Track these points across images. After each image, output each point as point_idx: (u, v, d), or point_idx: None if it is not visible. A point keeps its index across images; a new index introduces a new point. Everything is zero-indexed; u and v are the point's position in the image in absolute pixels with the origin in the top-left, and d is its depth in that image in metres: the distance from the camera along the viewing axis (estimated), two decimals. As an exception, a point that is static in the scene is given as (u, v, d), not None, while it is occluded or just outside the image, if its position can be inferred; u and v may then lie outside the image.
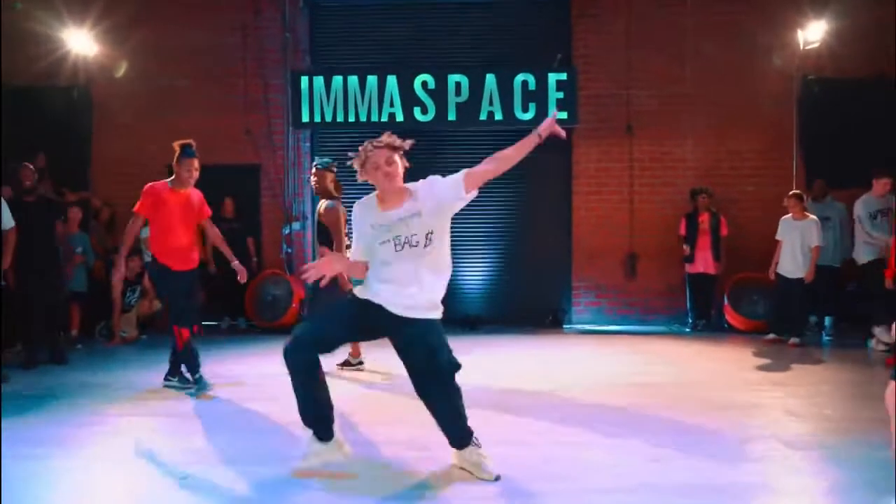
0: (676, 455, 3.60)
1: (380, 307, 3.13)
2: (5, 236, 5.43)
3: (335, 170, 5.50)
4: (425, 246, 3.11)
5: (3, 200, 5.47)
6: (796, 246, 6.88)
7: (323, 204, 5.47)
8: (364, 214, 3.16)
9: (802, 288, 6.88)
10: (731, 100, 8.41)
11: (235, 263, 5.14)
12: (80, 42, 8.32)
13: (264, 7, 8.56)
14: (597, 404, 4.70)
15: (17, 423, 4.17)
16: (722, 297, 7.94)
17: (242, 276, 5.13)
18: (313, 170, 5.54)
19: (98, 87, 8.69)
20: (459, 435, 3.24)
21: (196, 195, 5.14)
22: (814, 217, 6.99)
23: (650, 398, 4.82)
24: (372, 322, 3.16)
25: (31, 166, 6.17)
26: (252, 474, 3.28)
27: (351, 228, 3.38)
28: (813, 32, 7.99)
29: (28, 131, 8.00)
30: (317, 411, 3.20)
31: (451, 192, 3.10)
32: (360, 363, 5.78)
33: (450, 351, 3.15)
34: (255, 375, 5.71)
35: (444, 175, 3.13)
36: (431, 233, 3.11)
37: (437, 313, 3.19)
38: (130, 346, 7.23)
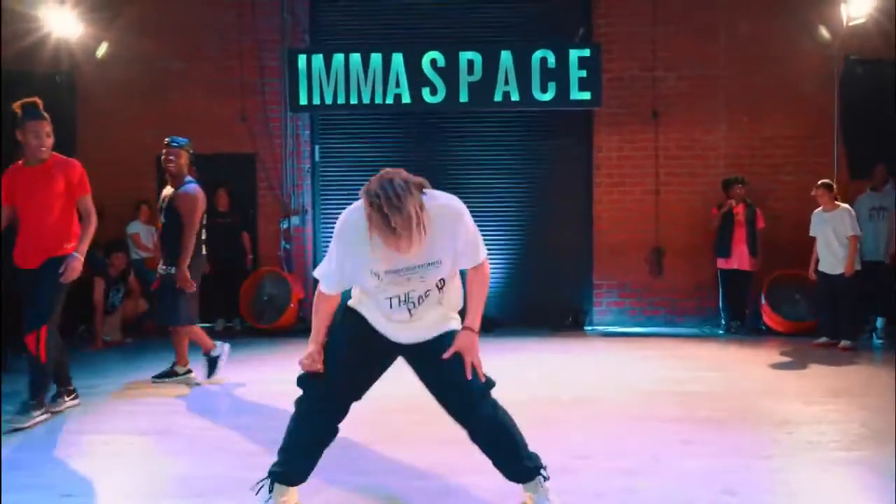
0: (753, 484, 2.97)
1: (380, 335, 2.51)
2: None
3: (192, 150, 5.09)
4: (439, 290, 2.45)
5: None
6: (831, 240, 6.38)
7: (174, 189, 4.99)
8: (360, 242, 2.29)
9: (846, 285, 6.28)
10: (766, 82, 7.77)
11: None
12: (62, 22, 7.71)
13: (260, -17, 7.96)
14: (640, 417, 4.09)
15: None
16: (759, 295, 7.28)
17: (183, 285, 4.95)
18: (166, 149, 5.02)
19: (82, 72, 8.10)
20: (518, 469, 2.54)
21: (64, 167, 4.14)
22: (846, 206, 6.48)
23: (701, 410, 4.20)
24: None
25: None
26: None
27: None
28: (857, 7, 7.31)
29: (5, 120, 7.40)
30: (307, 460, 2.55)
31: (464, 260, 2.44)
32: (189, 372, 5.13)
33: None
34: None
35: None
36: (443, 279, 2.43)
37: (454, 324, 2.55)
38: (116, 350, 6.64)
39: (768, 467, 3.21)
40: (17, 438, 3.74)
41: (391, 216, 2.08)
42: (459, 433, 2.54)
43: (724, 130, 7.87)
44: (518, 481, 2.56)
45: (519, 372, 5.33)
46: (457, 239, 2.36)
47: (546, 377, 5.35)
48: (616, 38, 7.83)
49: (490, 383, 2.51)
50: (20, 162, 4.13)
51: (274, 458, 2.56)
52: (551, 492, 2.56)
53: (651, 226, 7.86)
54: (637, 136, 7.90)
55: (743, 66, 7.76)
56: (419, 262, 2.31)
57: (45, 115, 4.16)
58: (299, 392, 2.54)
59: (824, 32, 7.61)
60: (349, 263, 2.39)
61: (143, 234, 7.69)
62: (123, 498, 2.93)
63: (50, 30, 7.69)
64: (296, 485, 2.57)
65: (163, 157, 5.04)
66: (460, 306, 2.58)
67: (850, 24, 7.42)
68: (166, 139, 5.11)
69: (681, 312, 7.87)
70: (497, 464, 2.53)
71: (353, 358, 2.50)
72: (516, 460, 2.51)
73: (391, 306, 2.41)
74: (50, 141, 4.15)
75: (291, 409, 2.57)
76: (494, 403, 2.51)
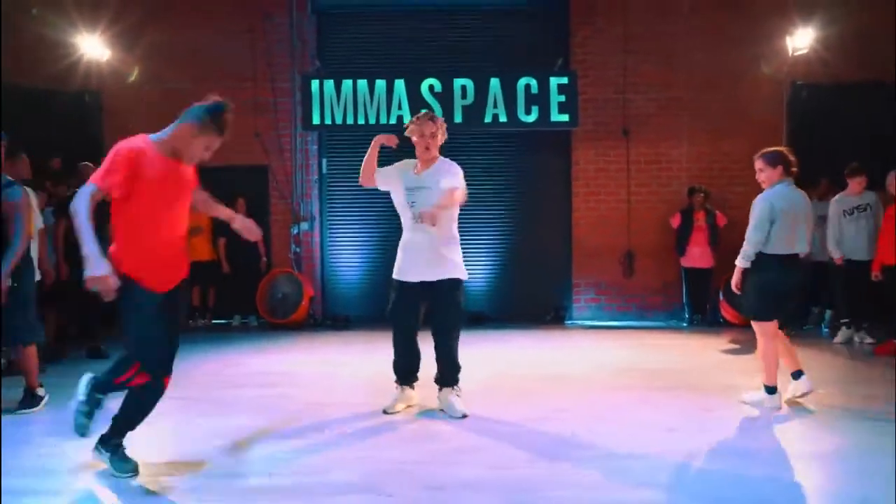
0: (688, 426, 3.90)
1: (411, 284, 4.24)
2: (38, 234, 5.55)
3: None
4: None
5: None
6: None
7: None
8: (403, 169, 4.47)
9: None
10: (723, 104, 8.73)
11: None
12: (92, 46, 8.51)
13: (273, 12, 8.78)
14: (607, 386, 5.02)
15: (56, 410, 4.40)
16: (716, 292, 8.24)
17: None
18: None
19: (108, 91, 8.87)
20: (449, 374, 4.21)
21: None
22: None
23: (658, 381, 5.13)
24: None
25: (92, 165, 6.29)
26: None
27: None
28: (801, 39, 8.34)
29: (41, 135, 8.16)
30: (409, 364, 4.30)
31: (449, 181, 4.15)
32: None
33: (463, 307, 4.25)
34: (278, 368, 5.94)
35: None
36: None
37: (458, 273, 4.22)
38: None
39: (707, 416, 4.14)
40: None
41: (426, 122, 4.31)
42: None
43: (687, 147, 8.82)
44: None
45: (504, 356, 6.24)
46: (450, 177, 4.13)
47: (528, 360, 6.22)
48: (592, 66, 8.77)
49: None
50: None
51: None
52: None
53: (623, 231, 8.79)
54: (610, 151, 8.83)
55: (702, 91, 8.70)
56: (423, 183, 4.18)
57: None
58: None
59: (771, 62, 8.60)
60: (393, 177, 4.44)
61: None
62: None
63: (81, 53, 8.51)
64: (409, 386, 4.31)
65: None
66: (452, 237, 4.23)
67: (795, 53, 8.46)
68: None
69: (650, 308, 8.82)
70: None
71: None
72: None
73: (412, 224, 4.22)
74: None
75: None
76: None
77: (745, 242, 4.43)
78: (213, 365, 6.09)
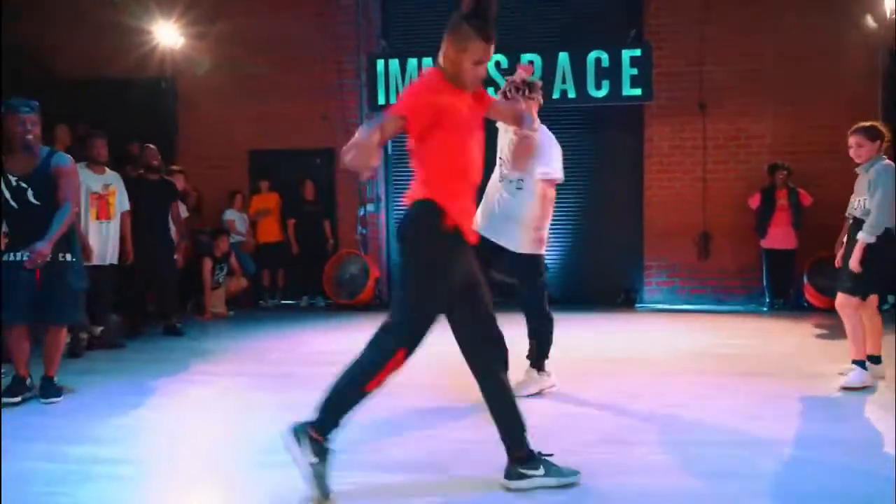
0: (772, 413, 3.66)
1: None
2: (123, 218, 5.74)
3: None
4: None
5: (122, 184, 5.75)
6: None
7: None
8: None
9: None
10: (810, 75, 8.17)
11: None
12: (168, 34, 8.76)
13: (338, -6, 8.80)
14: (682, 371, 4.80)
15: (139, 380, 4.57)
16: (801, 275, 7.78)
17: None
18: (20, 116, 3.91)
19: (183, 78, 9.12)
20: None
21: None
22: None
23: (739, 366, 4.88)
24: None
25: (155, 147, 6.50)
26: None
27: None
28: (899, 0, 7.70)
29: (119, 121, 8.46)
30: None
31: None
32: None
33: None
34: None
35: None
36: None
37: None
38: (221, 320, 7.61)
39: (791, 403, 3.87)
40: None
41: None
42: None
43: (769, 120, 8.33)
44: None
45: (573, 339, 6.01)
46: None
47: (598, 343, 6.02)
48: (666, 36, 8.37)
49: None
50: None
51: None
52: None
53: (698, 211, 8.40)
54: (686, 127, 8.44)
55: (788, 60, 8.17)
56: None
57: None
58: None
59: (868, 24, 7.97)
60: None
61: (237, 220, 8.61)
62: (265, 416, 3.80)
63: (157, 41, 8.77)
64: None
65: (18, 125, 3.89)
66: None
67: (893, 16, 7.80)
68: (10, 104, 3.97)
69: (727, 291, 8.41)
70: None
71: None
72: None
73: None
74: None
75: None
76: None
77: (875, 215, 4.00)
78: (283, 343, 6.19)
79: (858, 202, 4.20)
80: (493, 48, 2.58)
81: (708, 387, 4.31)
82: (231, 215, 8.62)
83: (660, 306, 8.36)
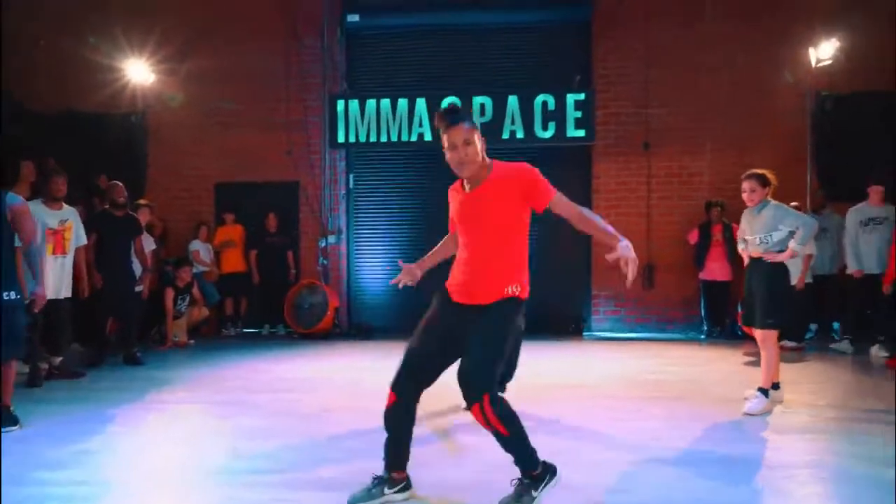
0: (674, 434, 4.04)
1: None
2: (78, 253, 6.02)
3: None
4: None
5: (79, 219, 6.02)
6: None
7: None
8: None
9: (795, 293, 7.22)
10: (747, 116, 8.74)
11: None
12: (139, 71, 9.12)
13: (305, 35, 9.23)
14: (610, 395, 5.20)
15: (98, 407, 4.83)
16: (735, 305, 8.24)
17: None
18: None
19: (154, 112, 9.46)
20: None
21: None
22: None
23: (660, 391, 5.28)
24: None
25: (122, 184, 6.79)
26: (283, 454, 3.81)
27: None
28: (824, 50, 8.30)
29: (92, 155, 8.81)
30: None
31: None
32: None
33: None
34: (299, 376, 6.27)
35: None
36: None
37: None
38: (182, 350, 7.86)
39: (695, 427, 4.25)
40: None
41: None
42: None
43: (709, 159, 8.86)
44: None
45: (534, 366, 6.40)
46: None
47: (538, 369, 6.30)
48: (613, 80, 8.92)
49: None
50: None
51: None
52: None
53: (644, 245, 8.85)
54: (631, 165, 8.95)
55: (726, 102, 8.71)
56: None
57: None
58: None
59: (795, 72, 8.57)
60: None
61: (202, 251, 8.87)
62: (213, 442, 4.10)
63: (128, 78, 9.12)
64: None
65: None
66: None
67: (819, 64, 8.41)
68: None
69: (670, 320, 8.86)
70: None
71: None
72: None
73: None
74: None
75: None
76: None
77: (803, 232, 4.57)
78: (241, 371, 6.45)
79: (759, 239, 4.66)
80: (453, 132, 2.86)
81: (627, 410, 4.70)
82: (196, 246, 8.88)
83: (607, 334, 8.77)
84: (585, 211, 3.08)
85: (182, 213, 9.29)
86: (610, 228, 3.01)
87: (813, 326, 8.17)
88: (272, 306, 8.85)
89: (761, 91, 8.70)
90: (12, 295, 4.21)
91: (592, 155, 8.96)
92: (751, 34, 8.65)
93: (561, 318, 8.85)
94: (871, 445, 3.80)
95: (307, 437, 4.12)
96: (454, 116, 2.90)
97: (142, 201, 7.61)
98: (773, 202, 4.72)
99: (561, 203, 3.05)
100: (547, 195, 2.98)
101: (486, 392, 2.73)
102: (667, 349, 7.66)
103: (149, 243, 7.45)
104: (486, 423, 2.75)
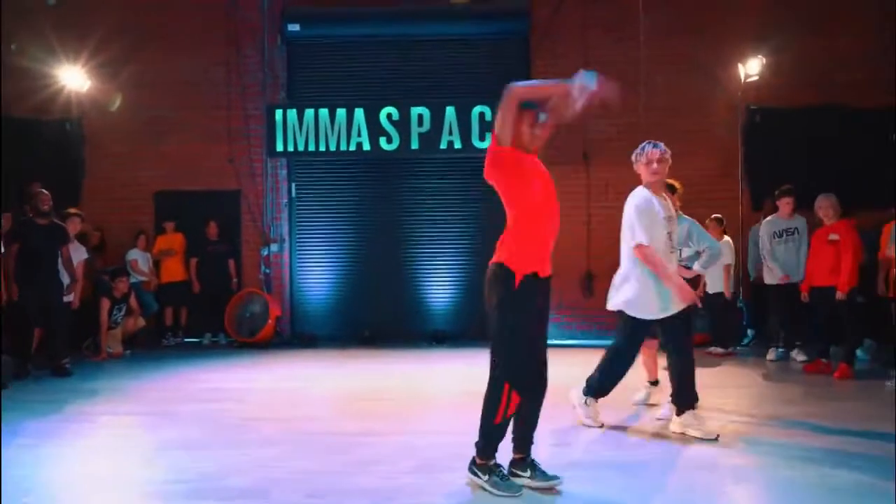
0: (580, 439, 4.14)
1: None
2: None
3: None
4: None
5: None
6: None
7: None
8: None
9: (719, 302, 7.56)
10: (682, 128, 8.95)
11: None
12: (74, 77, 8.96)
13: (246, 44, 9.21)
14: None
15: (17, 419, 4.74)
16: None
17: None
18: None
19: (90, 119, 9.30)
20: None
21: None
22: (728, 238, 7.69)
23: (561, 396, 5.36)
24: None
25: (47, 192, 6.63)
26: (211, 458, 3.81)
27: None
28: (752, 65, 8.63)
29: (24, 161, 8.62)
30: None
31: None
32: None
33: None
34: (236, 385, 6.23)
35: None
36: None
37: None
38: (116, 361, 7.72)
39: (604, 433, 4.37)
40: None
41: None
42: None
43: (645, 170, 9.07)
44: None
45: (444, 376, 6.49)
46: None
47: (457, 377, 6.43)
48: (552, 92, 9.10)
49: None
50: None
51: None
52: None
53: (583, 253, 9.05)
54: (571, 175, 9.12)
55: (661, 114, 8.95)
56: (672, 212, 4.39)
57: None
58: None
59: (726, 86, 8.87)
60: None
61: (140, 260, 8.77)
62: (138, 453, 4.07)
63: (63, 84, 8.96)
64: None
65: None
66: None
67: (748, 79, 8.74)
68: None
69: (610, 328, 9.00)
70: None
71: None
72: None
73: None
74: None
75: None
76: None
77: (703, 263, 4.80)
78: (173, 381, 6.38)
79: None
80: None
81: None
82: (134, 255, 8.76)
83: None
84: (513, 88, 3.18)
85: (121, 222, 9.14)
86: (550, 81, 3.38)
87: (750, 332, 8.43)
88: (214, 315, 8.76)
89: (696, 104, 8.97)
90: None
91: (532, 165, 9.10)
92: (684, 49, 8.92)
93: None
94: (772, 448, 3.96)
95: (222, 448, 4.12)
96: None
97: (72, 210, 7.44)
98: (687, 217, 4.85)
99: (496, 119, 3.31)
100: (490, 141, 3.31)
101: (504, 379, 3.14)
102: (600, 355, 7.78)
103: (79, 253, 7.31)
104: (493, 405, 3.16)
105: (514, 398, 3.13)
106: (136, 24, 9.09)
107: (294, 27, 8.66)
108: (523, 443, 3.33)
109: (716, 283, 7.53)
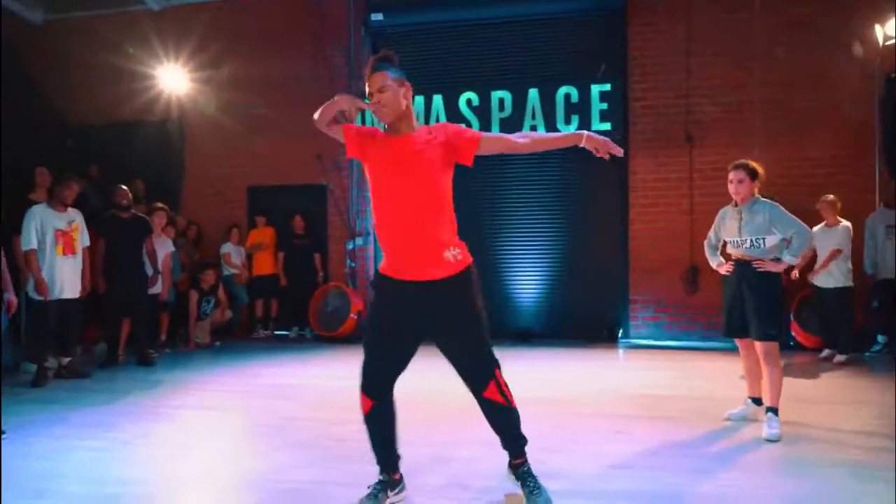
0: (638, 463, 3.55)
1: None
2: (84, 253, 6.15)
3: None
4: None
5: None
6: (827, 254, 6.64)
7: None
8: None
9: (837, 298, 6.56)
10: (804, 104, 7.93)
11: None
12: (174, 80, 9.35)
13: (331, 39, 9.17)
14: (596, 412, 4.71)
15: (92, 411, 4.84)
16: (788, 312, 7.44)
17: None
18: None
19: (189, 119, 9.69)
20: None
21: None
22: (847, 223, 6.69)
23: (655, 410, 4.72)
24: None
25: (125, 188, 6.92)
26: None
27: None
28: (892, 27, 7.38)
29: (129, 161, 9.11)
30: None
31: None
32: None
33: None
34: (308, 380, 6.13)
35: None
36: None
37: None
38: (204, 350, 7.92)
39: (666, 454, 3.74)
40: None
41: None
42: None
43: (760, 152, 8.05)
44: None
45: (529, 375, 5.96)
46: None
47: (537, 380, 5.85)
48: (651, 70, 8.30)
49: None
50: None
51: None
52: None
53: (686, 245, 8.19)
54: (671, 160, 8.29)
55: (779, 90, 7.95)
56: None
57: None
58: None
59: (861, 53, 7.67)
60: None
61: (233, 253, 8.99)
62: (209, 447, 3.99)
63: (163, 86, 9.38)
64: None
65: None
66: None
67: (887, 42, 7.49)
68: None
69: (717, 327, 8.09)
70: None
71: None
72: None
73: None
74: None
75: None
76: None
77: (793, 251, 4.09)
78: (237, 376, 6.24)
79: (750, 241, 4.10)
80: (373, 78, 2.82)
81: (602, 430, 4.19)
82: (228, 248, 8.99)
83: (645, 342, 8.15)
84: (521, 134, 2.87)
85: (217, 217, 9.44)
86: (560, 133, 2.96)
87: (881, 338, 7.30)
88: (300, 309, 8.81)
89: (820, 77, 7.85)
90: None
91: (629, 149, 8.36)
92: (806, 14, 7.85)
93: (593, 324, 8.31)
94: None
95: (245, 448, 3.94)
96: (378, 64, 2.81)
97: (158, 204, 7.70)
98: (768, 201, 4.16)
99: (490, 140, 2.85)
100: (474, 138, 2.80)
101: (496, 366, 2.84)
102: (699, 360, 6.98)
103: (166, 246, 7.54)
104: (503, 397, 2.83)
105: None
106: (229, 27, 9.34)
107: (378, 16, 8.49)
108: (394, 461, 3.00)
109: (823, 275, 6.55)
